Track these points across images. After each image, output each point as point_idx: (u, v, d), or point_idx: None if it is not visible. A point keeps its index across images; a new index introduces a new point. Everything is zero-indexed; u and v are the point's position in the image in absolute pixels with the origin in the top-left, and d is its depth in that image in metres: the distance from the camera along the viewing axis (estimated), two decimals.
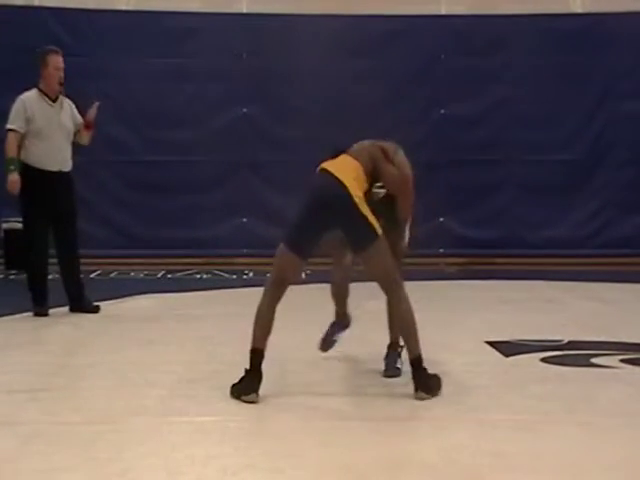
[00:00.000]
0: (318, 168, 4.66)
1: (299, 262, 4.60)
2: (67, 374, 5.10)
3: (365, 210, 4.49)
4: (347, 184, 4.47)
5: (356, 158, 4.65)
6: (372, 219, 4.50)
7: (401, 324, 4.78)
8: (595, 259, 11.12)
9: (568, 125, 11.50)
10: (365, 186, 4.61)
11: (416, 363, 4.59)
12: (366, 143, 4.87)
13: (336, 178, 4.49)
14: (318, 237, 4.60)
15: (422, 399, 4.47)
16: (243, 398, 4.42)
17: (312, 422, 4.12)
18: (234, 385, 4.53)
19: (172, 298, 8.40)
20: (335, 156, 4.71)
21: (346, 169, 4.56)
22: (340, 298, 5.45)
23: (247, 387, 4.46)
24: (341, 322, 5.46)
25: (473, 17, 11.79)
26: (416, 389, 4.55)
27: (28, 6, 11.50)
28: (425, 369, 4.59)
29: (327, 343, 5.41)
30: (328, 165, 4.60)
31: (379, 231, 4.54)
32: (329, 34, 11.44)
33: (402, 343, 5.03)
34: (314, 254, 4.70)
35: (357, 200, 4.47)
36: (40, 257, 7.60)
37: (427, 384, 4.55)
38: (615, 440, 3.85)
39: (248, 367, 4.52)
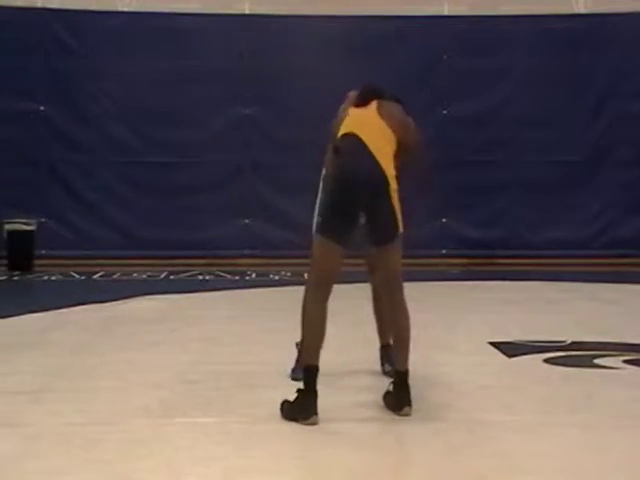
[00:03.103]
0: (355, 130, 4.30)
1: (340, 250, 4.21)
2: (70, 375, 5.10)
3: (396, 203, 4.32)
4: (386, 172, 4.23)
5: (391, 126, 4.35)
6: (399, 214, 4.34)
7: (398, 332, 4.48)
8: (598, 260, 11.12)
9: (570, 125, 11.50)
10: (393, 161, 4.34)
11: (405, 377, 4.26)
12: (393, 104, 4.56)
13: (376, 162, 4.21)
14: (354, 220, 4.26)
15: (408, 415, 4.17)
16: (303, 422, 4.02)
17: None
18: (288, 405, 4.15)
19: (175, 299, 8.40)
20: (368, 99, 4.45)
21: (384, 145, 4.28)
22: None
23: (306, 409, 4.06)
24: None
25: (475, 18, 11.79)
26: (402, 406, 4.19)
27: (30, 7, 11.52)
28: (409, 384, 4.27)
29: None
30: (367, 136, 4.26)
31: (401, 227, 4.41)
32: (331, 35, 11.45)
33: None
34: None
35: (392, 193, 4.27)
36: None
37: (410, 398, 4.23)
38: (617, 441, 3.84)
39: (302, 387, 4.13)
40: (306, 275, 4.93)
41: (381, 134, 4.34)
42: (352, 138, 4.31)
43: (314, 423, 4.02)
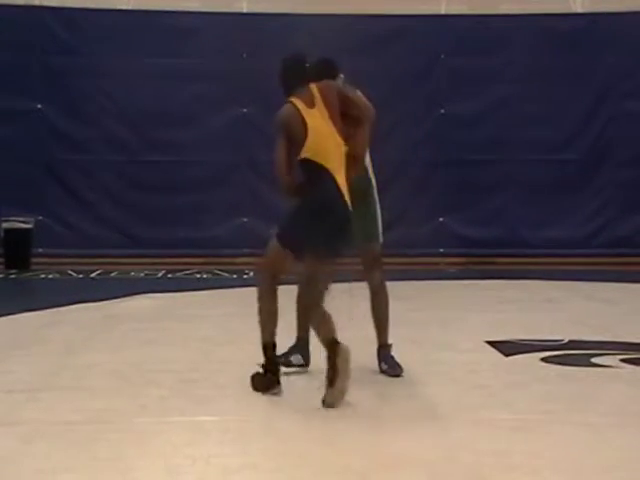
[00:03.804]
0: (322, 161, 4.56)
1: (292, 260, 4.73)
2: (67, 374, 5.10)
3: None
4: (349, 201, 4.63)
5: (339, 124, 4.68)
6: None
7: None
8: (595, 259, 11.12)
9: (568, 125, 11.50)
10: None
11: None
12: (332, 97, 4.75)
13: (345, 201, 4.61)
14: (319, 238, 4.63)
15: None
16: (269, 393, 4.57)
17: (312, 422, 4.13)
18: (259, 378, 4.64)
19: (172, 298, 8.40)
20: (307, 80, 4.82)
21: (342, 165, 4.67)
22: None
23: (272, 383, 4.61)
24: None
25: (473, 17, 11.80)
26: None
27: (29, 5, 11.51)
28: None
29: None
30: (333, 166, 4.61)
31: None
32: (329, 34, 11.42)
33: (390, 342, 5.18)
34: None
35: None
36: None
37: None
38: (615, 440, 3.85)
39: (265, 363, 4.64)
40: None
41: (340, 151, 4.67)
42: (320, 171, 4.59)
43: (278, 393, 4.58)
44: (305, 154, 4.57)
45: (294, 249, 4.63)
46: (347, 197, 4.62)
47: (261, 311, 4.66)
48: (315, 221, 4.55)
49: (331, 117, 4.67)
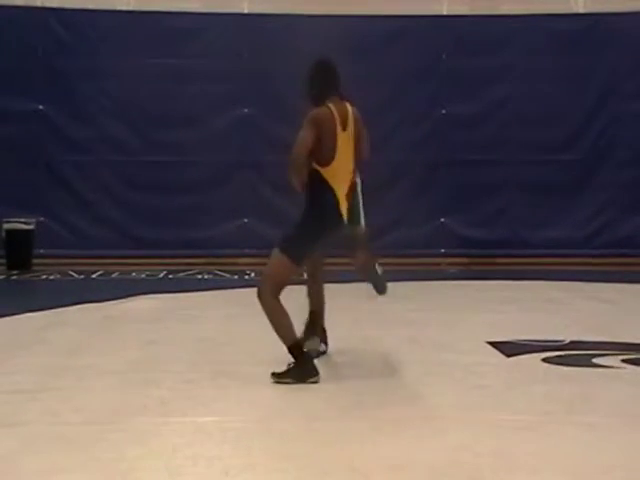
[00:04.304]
0: (334, 184, 4.92)
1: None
2: (68, 374, 5.10)
3: None
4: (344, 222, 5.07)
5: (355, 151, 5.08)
6: None
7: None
8: (596, 259, 11.12)
9: (569, 125, 11.50)
10: None
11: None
12: (360, 125, 5.13)
13: (342, 217, 5.02)
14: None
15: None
16: (309, 382, 4.80)
17: (313, 422, 4.12)
18: (292, 372, 4.84)
19: (173, 298, 8.40)
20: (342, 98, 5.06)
21: (347, 188, 5.06)
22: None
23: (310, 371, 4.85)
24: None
25: (474, 17, 11.80)
26: None
27: (29, 6, 11.51)
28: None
29: None
30: (342, 192, 4.98)
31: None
32: (330, 34, 11.42)
33: None
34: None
35: None
36: None
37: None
38: (616, 440, 3.84)
39: (296, 360, 4.87)
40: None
41: (350, 172, 5.04)
42: (331, 195, 4.93)
43: (318, 381, 4.79)
44: (326, 173, 4.91)
45: (298, 259, 4.97)
46: (345, 212, 5.01)
47: (274, 322, 4.95)
48: (314, 234, 4.98)
49: (354, 143, 5.04)
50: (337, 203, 4.98)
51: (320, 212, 4.98)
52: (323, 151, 4.90)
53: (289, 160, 4.99)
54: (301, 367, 4.84)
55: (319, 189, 4.95)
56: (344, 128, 4.98)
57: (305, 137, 4.89)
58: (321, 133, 4.89)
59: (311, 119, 4.95)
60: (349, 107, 5.08)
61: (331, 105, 4.99)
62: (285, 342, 4.91)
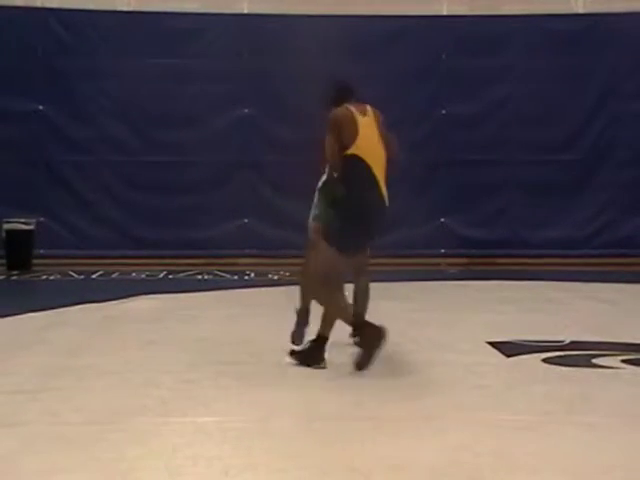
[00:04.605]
0: (367, 159, 5.03)
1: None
2: (68, 375, 5.10)
3: None
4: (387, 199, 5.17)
5: (385, 141, 5.23)
6: None
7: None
8: (596, 259, 11.13)
9: (569, 125, 11.51)
10: None
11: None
12: (380, 121, 5.28)
13: (384, 197, 5.12)
14: (368, 239, 5.34)
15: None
16: (315, 367, 5.06)
17: (313, 422, 4.12)
18: (304, 354, 5.13)
19: (173, 299, 8.41)
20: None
21: (383, 169, 5.17)
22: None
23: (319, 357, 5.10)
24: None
25: (474, 17, 11.81)
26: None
27: (29, 7, 11.52)
28: None
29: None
30: (377, 166, 5.09)
31: None
32: (330, 35, 11.45)
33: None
34: None
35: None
36: None
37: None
38: (616, 440, 3.84)
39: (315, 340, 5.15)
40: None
41: (383, 157, 5.15)
42: (364, 168, 5.04)
43: (325, 367, 5.08)
44: (354, 151, 5.01)
45: (346, 250, 5.03)
46: (385, 194, 5.11)
47: (331, 312, 5.14)
48: (358, 218, 5.02)
49: (378, 131, 5.18)
50: (375, 182, 5.07)
51: (359, 193, 5.05)
52: (346, 135, 5.06)
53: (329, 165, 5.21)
54: (311, 351, 5.13)
55: (353, 170, 5.04)
56: (363, 115, 5.16)
57: (329, 142, 5.10)
58: (341, 126, 5.08)
59: (330, 122, 5.16)
60: (367, 106, 5.27)
61: (346, 105, 5.23)
62: (347, 322, 5.12)
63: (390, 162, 5.25)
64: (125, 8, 11.69)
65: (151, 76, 11.33)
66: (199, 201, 11.34)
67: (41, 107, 11.31)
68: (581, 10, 11.85)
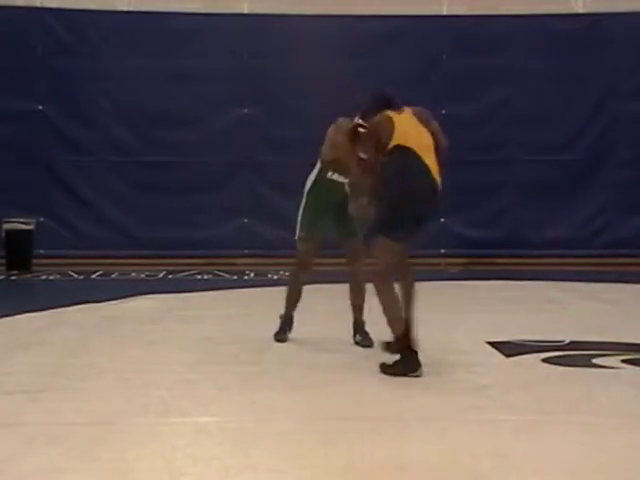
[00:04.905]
0: (411, 144, 5.06)
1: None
2: (68, 375, 5.09)
3: None
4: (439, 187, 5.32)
5: (430, 130, 5.32)
6: None
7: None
8: (596, 259, 11.12)
9: (569, 125, 11.50)
10: None
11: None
12: (425, 116, 5.39)
13: (434, 180, 5.25)
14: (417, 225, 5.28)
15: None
16: (411, 375, 4.93)
17: (313, 422, 4.12)
18: (395, 366, 4.99)
19: (173, 299, 8.40)
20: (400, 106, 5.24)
21: (432, 154, 5.24)
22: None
23: (413, 365, 4.97)
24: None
25: (474, 18, 11.79)
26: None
27: (30, 7, 11.51)
28: None
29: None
30: (423, 152, 5.13)
31: None
32: (330, 35, 11.45)
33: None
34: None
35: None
36: None
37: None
38: (616, 441, 3.84)
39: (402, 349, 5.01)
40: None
41: (430, 145, 5.21)
42: (408, 155, 5.07)
43: (421, 375, 4.93)
44: (394, 142, 5.04)
45: (397, 236, 5.05)
46: (437, 176, 5.23)
47: (387, 311, 5.05)
48: (408, 204, 5.05)
49: (421, 123, 5.23)
50: (423, 166, 5.14)
51: (408, 179, 5.09)
52: (384, 135, 5.09)
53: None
54: (404, 360, 4.98)
55: (398, 159, 5.06)
56: (399, 113, 5.20)
57: (368, 149, 5.17)
58: (379, 133, 5.13)
59: (369, 130, 5.23)
60: (406, 107, 5.30)
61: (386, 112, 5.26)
62: (394, 332, 5.04)
63: (441, 152, 5.33)
64: (125, 8, 11.68)
65: (151, 76, 11.32)
66: (199, 201, 11.33)
67: (41, 107, 11.30)
68: (581, 10, 11.84)
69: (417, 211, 5.12)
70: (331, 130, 5.90)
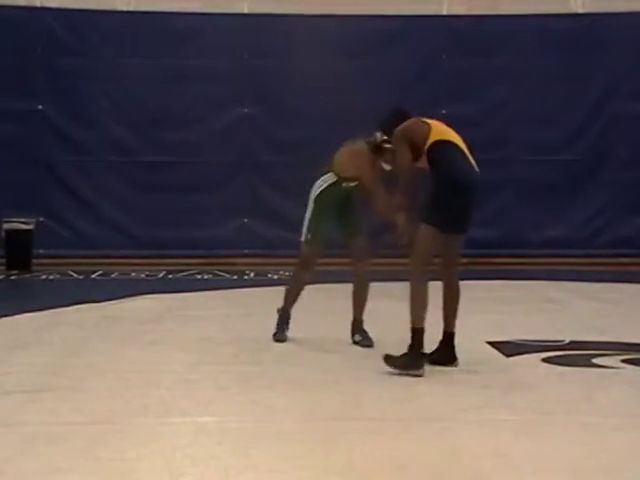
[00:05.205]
0: (452, 139, 5.31)
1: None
2: (68, 375, 5.09)
3: None
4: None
5: None
6: None
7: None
8: (596, 259, 11.11)
9: (569, 125, 11.50)
10: None
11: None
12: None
13: (475, 170, 5.40)
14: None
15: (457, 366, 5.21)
16: (413, 374, 4.91)
17: (313, 422, 4.12)
18: (399, 359, 4.96)
19: (173, 299, 8.40)
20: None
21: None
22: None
23: (417, 363, 4.95)
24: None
25: (474, 17, 11.79)
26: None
27: (30, 7, 11.51)
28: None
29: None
30: (462, 145, 5.34)
31: None
32: (330, 34, 11.44)
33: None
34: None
35: None
36: None
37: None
38: (616, 440, 3.84)
39: (411, 344, 4.99)
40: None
41: (463, 141, 5.43)
42: (450, 148, 5.28)
43: (422, 375, 4.92)
44: (432, 139, 5.20)
45: (441, 225, 5.09)
46: (476, 167, 5.36)
47: (415, 299, 5.06)
48: (457, 195, 5.12)
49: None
50: (465, 158, 5.31)
51: (454, 171, 5.20)
52: (418, 137, 5.21)
53: (400, 180, 5.30)
54: (410, 356, 4.97)
55: (442, 153, 5.20)
56: (429, 118, 5.36)
57: (402, 154, 5.22)
58: (412, 136, 5.24)
59: (397, 135, 5.30)
60: (426, 119, 5.45)
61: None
62: (413, 323, 5.03)
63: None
64: (125, 8, 11.66)
65: (151, 76, 11.31)
66: (199, 201, 11.33)
67: (41, 107, 11.29)
68: (581, 10, 11.83)
69: (463, 202, 5.18)
70: (348, 152, 5.89)
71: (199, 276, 10.39)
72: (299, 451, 3.66)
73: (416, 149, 5.19)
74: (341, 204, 5.93)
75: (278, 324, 6.13)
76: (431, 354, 5.24)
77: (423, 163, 5.25)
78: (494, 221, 11.50)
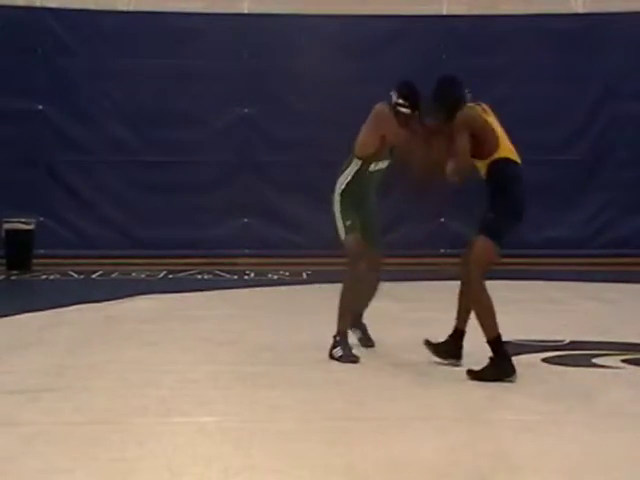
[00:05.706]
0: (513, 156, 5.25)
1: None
2: (68, 374, 5.10)
3: None
4: None
5: None
6: None
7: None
8: (596, 259, 11.12)
9: (569, 125, 11.50)
10: None
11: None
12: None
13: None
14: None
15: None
16: (507, 380, 4.87)
17: (313, 422, 4.12)
18: (489, 370, 4.91)
19: (173, 299, 8.40)
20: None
21: None
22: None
23: (508, 369, 4.92)
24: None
25: (474, 17, 11.79)
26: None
27: (30, 7, 11.51)
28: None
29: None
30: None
31: None
32: (330, 35, 11.45)
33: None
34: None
35: None
36: None
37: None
38: (616, 440, 3.84)
39: (494, 354, 4.94)
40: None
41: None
42: (515, 168, 5.31)
43: (514, 380, 4.86)
44: (501, 154, 5.21)
45: (501, 242, 5.20)
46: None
47: (482, 310, 5.06)
48: (515, 216, 5.25)
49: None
50: (521, 179, 5.27)
51: (517, 192, 5.27)
52: (486, 141, 5.20)
53: (457, 168, 5.38)
54: (498, 364, 4.92)
55: (509, 172, 5.26)
56: (487, 116, 5.34)
57: (463, 143, 5.16)
58: (474, 129, 5.17)
59: (460, 123, 5.20)
60: (482, 104, 5.50)
61: (469, 105, 5.37)
62: (487, 334, 4.99)
63: None
64: (125, 8, 11.67)
65: (151, 76, 11.32)
66: (199, 201, 11.33)
67: (41, 107, 11.30)
68: (581, 10, 11.84)
69: (520, 219, 5.28)
70: (367, 122, 5.63)
71: (199, 276, 10.39)
72: (299, 451, 3.66)
73: (479, 146, 5.18)
74: (367, 209, 5.67)
75: (338, 344, 5.45)
76: (437, 344, 5.29)
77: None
78: None
